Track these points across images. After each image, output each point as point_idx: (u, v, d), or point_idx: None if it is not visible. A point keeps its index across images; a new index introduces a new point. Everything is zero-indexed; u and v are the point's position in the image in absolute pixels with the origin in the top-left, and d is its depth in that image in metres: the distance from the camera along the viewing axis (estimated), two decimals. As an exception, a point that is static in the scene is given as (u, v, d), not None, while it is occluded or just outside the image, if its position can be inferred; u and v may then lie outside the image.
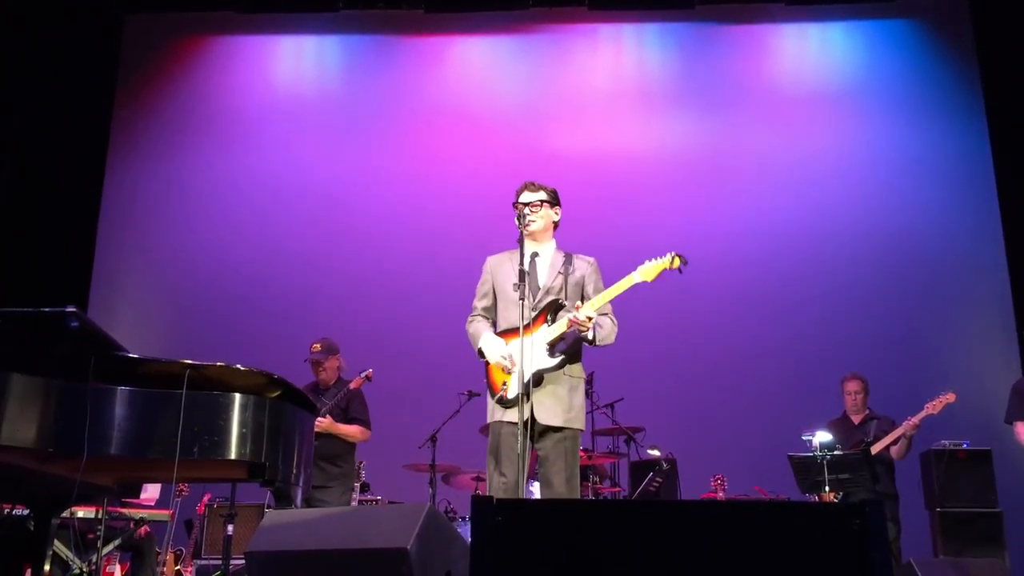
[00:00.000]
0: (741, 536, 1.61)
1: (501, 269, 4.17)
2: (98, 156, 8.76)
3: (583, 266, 4.15)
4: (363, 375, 6.03)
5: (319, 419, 5.83)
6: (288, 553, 3.41)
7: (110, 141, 8.87)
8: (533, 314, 3.89)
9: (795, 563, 1.59)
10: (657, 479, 6.43)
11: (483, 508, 1.60)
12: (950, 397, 5.89)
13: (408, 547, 3.20)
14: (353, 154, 8.80)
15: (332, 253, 8.42)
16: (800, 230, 8.33)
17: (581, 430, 4.03)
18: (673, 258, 3.88)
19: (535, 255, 4.11)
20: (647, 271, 3.89)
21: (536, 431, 3.86)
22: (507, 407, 3.92)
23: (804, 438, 5.71)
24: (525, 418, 3.73)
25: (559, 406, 3.91)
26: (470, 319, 4.21)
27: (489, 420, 4.04)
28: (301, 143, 8.87)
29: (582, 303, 4.00)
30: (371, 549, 3.28)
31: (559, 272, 4.10)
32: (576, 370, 4.03)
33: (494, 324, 4.17)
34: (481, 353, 4.05)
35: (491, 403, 4.04)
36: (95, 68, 8.77)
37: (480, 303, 4.20)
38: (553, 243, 4.22)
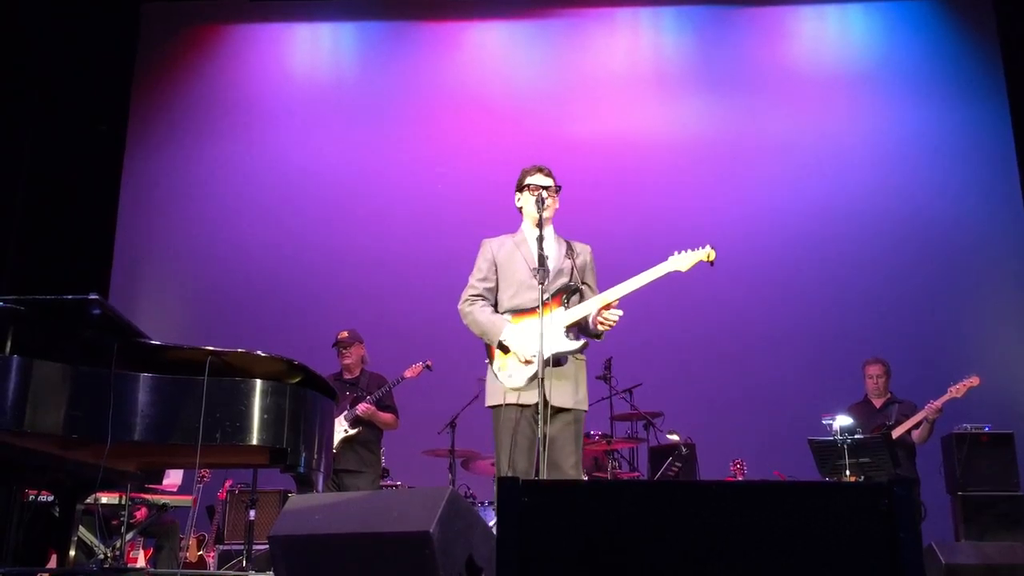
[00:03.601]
0: (768, 516, 1.60)
1: (503, 251, 4.15)
2: (117, 145, 8.80)
3: (584, 252, 4.18)
4: (424, 364, 6.12)
5: (364, 404, 5.89)
6: (312, 537, 3.43)
7: (128, 131, 8.91)
8: (547, 296, 3.88)
9: (823, 543, 1.58)
10: (676, 464, 6.42)
11: (509, 489, 1.60)
12: (974, 380, 5.84)
13: (431, 531, 3.21)
14: (371, 141, 8.80)
15: (350, 240, 8.44)
16: (819, 213, 8.27)
17: (585, 411, 4.04)
18: (709, 252, 3.92)
19: (540, 238, 4.11)
20: (682, 261, 3.92)
21: (547, 413, 3.85)
22: (516, 390, 3.91)
23: (824, 422, 5.69)
24: (539, 401, 3.71)
25: (570, 388, 3.92)
26: (469, 300, 4.13)
27: (492, 403, 4.01)
28: (318, 131, 8.88)
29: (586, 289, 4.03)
30: (394, 533, 3.29)
31: (566, 256, 4.10)
32: (582, 352, 4.04)
33: (495, 305, 4.14)
34: (501, 346, 4.00)
35: (492, 385, 4.01)
36: (112, 58, 8.80)
37: (482, 284, 4.14)
38: (553, 228, 4.22)
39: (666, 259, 3.92)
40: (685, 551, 1.59)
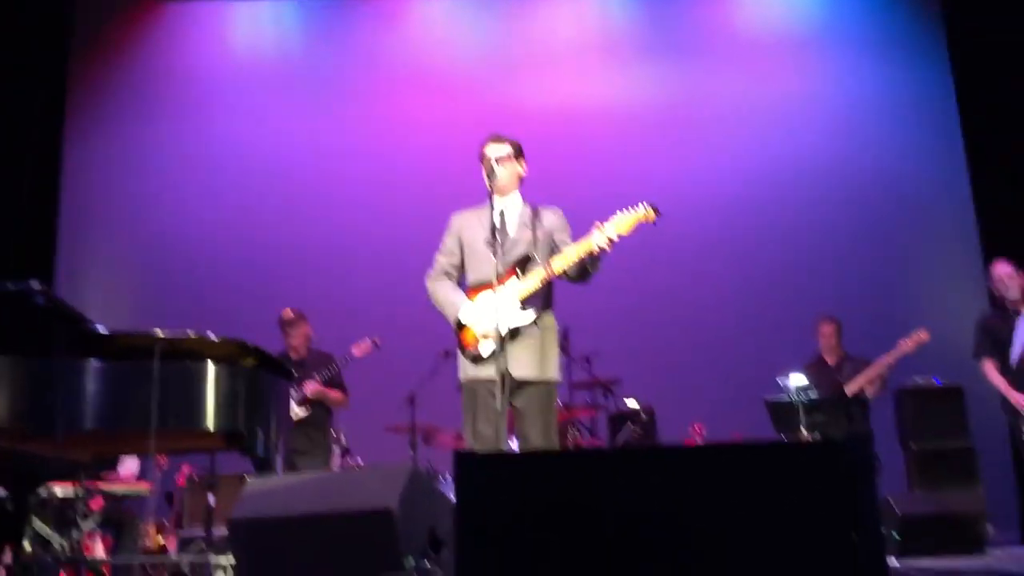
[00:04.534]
0: (727, 477, 1.61)
1: (468, 225, 4.11)
2: (55, 127, 8.56)
3: (550, 217, 4.10)
4: (371, 341, 6.06)
5: (312, 384, 5.83)
6: (272, 519, 3.40)
7: (67, 111, 8.67)
8: (502, 268, 3.84)
9: (782, 501, 1.59)
10: (636, 430, 6.47)
11: (466, 462, 1.59)
12: (923, 335, 5.95)
13: (392, 507, 3.20)
14: (317, 118, 8.67)
15: (298, 218, 8.32)
16: (768, 174, 8.34)
17: (556, 381, 4.00)
18: (647, 209, 3.82)
19: (501, 210, 4.06)
20: (621, 223, 3.79)
21: (511, 386, 3.80)
22: (479, 363, 3.89)
23: (779, 381, 5.76)
24: (502, 373, 3.69)
25: (533, 359, 3.88)
26: (432, 276, 4.12)
27: (462, 377, 3.99)
28: (263, 108, 8.72)
29: (552, 256, 3.95)
30: (355, 511, 3.28)
31: (526, 225, 4.05)
32: (548, 321, 3.99)
33: (460, 283, 4.12)
34: (459, 324, 3.97)
35: (463, 360, 3.99)
36: (47, 36, 8.54)
37: (446, 259, 4.12)
38: (519, 197, 4.17)
39: (607, 221, 3.80)
40: (647, 516, 1.59)
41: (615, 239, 3.76)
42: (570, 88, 8.68)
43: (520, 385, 3.84)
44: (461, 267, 4.12)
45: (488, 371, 3.81)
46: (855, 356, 6.33)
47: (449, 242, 4.15)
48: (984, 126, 8.14)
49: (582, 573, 1.59)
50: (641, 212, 3.80)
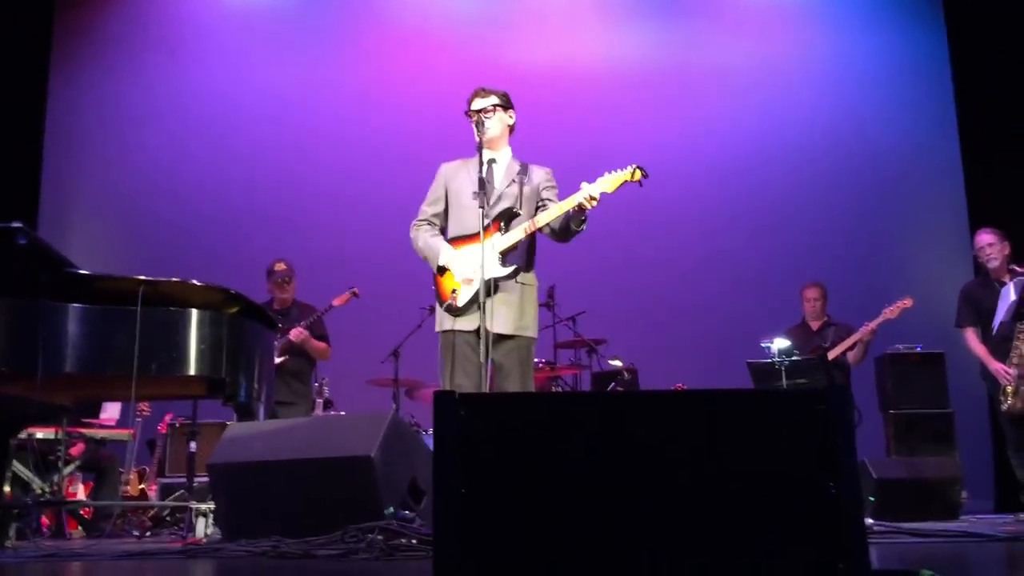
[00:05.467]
0: (707, 423, 1.61)
1: (456, 176, 4.09)
2: (40, 71, 8.42)
3: (539, 175, 4.09)
4: (350, 291, 6.05)
5: (297, 330, 5.83)
6: (251, 463, 3.41)
7: (51, 55, 8.53)
8: (487, 222, 3.82)
9: (761, 448, 1.60)
10: (619, 389, 6.51)
11: (445, 403, 1.58)
12: (907, 302, 5.97)
13: (372, 455, 3.21)
14: (306, 67, 8.57)
15: (285, 168, 8.26)
16: (758, 138, 8.33)
17: (534, 338, 4.01)
18: (634, 170, 3.79)
19: (491, 162, 4.03)
20: (607, 182, 3.78)
21: (489, 340, 3.81)
22: (456, 315, 3.88)
23: (763, 345, 5.79)
24: (480, 326, 3.69)
25: (511, 314, 3.88)
26: (416, 224, 4.11)
27: (439, 329, 3.98)
28: (254, 54, 8.62)
29: (537, 212, 3.94)
30: (336, 458, 3.29)
31: (514, 180, 4.03)
32: (529, 278, 3.99)
33: (443, 231, 4.10)
34: (440, 269, 3.97)
35: (440, 312, 3.97)
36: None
37: (431, 208, 4.11)
38: (509, 151, 4.14)
39: (595, 180, 3.81)
40: (625, 460, 1.60)
41: (598, 197, 3.75)
42: (564, 46, 8.60)
43: (498, 339, 3.84)
44: (445, 217, 4.10)
45: (466, 323, 3.82)
46: (839, 322, 6.36)
47: (435, 191, 4.14)
48: (977, 96, 8.13)
49: (562, 516, 1.59)
50: (628, 173, 3.79)
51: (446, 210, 4.09)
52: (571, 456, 1.58)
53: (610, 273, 7.80)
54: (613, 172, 3.81)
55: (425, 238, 4.04)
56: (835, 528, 1.56)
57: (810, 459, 1.57)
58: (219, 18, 8.75)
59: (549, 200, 4.02)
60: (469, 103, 4.08)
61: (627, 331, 7.24)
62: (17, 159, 8.14)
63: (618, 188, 3.79)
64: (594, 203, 3.75)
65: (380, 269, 7.15)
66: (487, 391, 3.71)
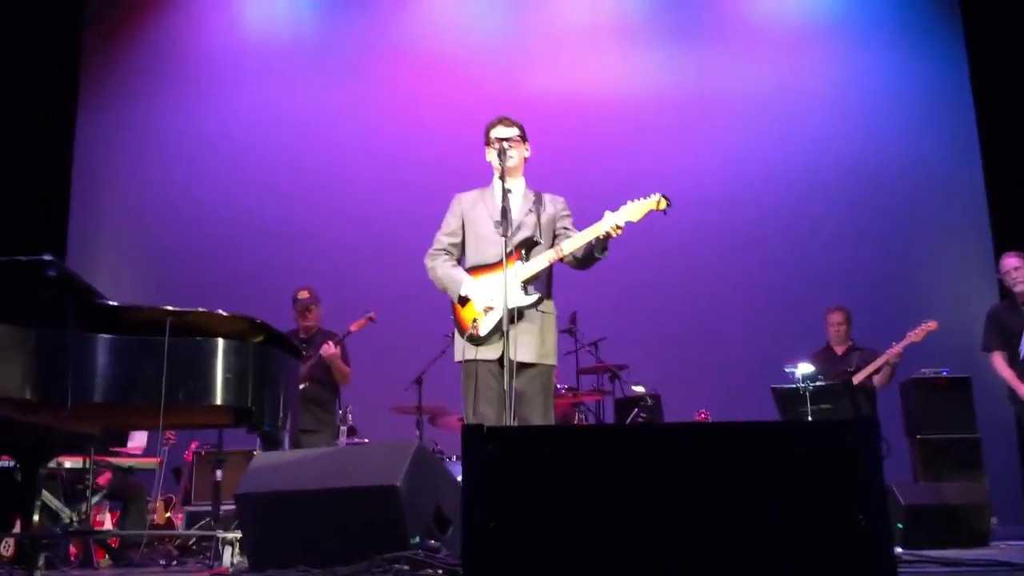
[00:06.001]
0: (734, 456, 1.61)
1: (474, 206, 4.11)
2: (69, 103, 8.58)
3: (554, 204, 4.13)
4: (367, 316, 6.10)
5: (328, 346, 5.87)
6: (278, 493, 3.42)
7: (80, 88, 8.69)
8: (508, 249, 3.84)
9: (789, 480, 1.60)
10: (642, 415, 6.48)
11: (474, 436, 1.60)
12: (932, 325, 5.93)
13: (398, 484, 3.21)
14: (328, 97, 8.67)
15: (309, 198, 8.34)
16: (781, 163, 8.32)
17: (555, 366, 4.02)
18: (659, 199, 3.83)
19: (508, 191, 4.07)
20: (632, 210, 3.82)
21: (514, 368, 3.82)
22: (478, 344, 3.90)
23: (787, 370, 5.76)
24: (504, 355, 3.70)
25: (533, 342, 3.89)
26: (433, 254, 4.11)
27: (459, 359, 3.98)
28: (275, 86, 8.73)
29: (556, 241, 3.98)
30: (361, 487, 3.29)
31: (531, 210, 4.06)
32: (549, 306, 4.01)
33: (459, 261, 4.12)
34: (461, 299, 3.98)
35: (460, 341, 3.98)
36: (62, 12, 8.54)
37: (448, 238, 4.11)
38: (523, 180, 4.18)
39: (619, 208, 3.84)
40: (652, 493, 1.60)
41: (623, 225, 3.79)
42: (583, 72, 8.65)
43: (521, 367, 3.85)
44: (462, 247, 4.12)
45: (487, 352, 3.84)
46: (863, 346, 6.33)
47: (452, 221, 4.14)
48: (999, 118, 8.10)
49: (589, 548, 1.60)
50: (653, 202, 3.83)
51: (463, 240, 4.12)
52: (598, 490, 1.59)
53: (632, 299, 7.79)
54: (637, 200, 3.85)
55: (445, 268, 4.05)
56: (866, 561, 1.56)
57: (839, 492, 1.57)
58: (241, 50, 8.88)
59: (567, 229, 4.06)
60: (489, 130, 4.12)
61: (649, 357, 7.22)
62: (46, 191, 8.28)
63: (643, 217, 3.83)
64: (619, 232, 3.78)
65: (404, 296, 7.17)
66: (511, 419, 3.72)
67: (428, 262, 4.14)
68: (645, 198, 3.84)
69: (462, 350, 3.96)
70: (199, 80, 8.75)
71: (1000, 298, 6.49)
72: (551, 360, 3.99)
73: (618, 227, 3.78)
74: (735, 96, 8.53)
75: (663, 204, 3.82)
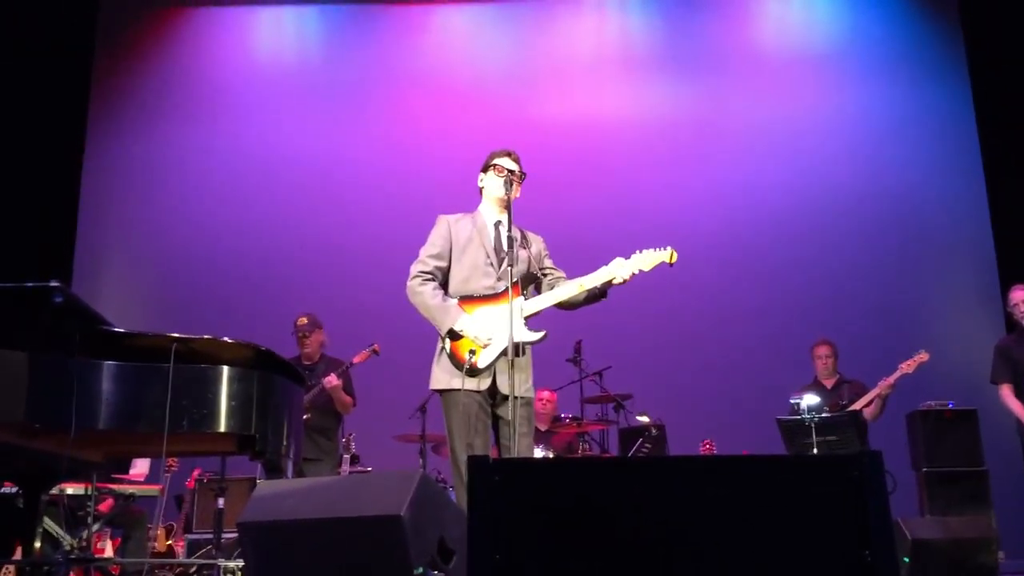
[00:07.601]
0: (740, 489, 1.60)
1: (462, 231, 4.08)
2: (77, 130, 8.65)
3: (537, 242, 4.18)
4: (370, 349, 6.11)
5: (331, 377, 5.87)
6: (281, 522, 3.40)
7: (89, 114, 8.75)
8: (504, 284, 3.86)
9: (794, 515, 1.59)
10: (646, 445, 6.46)
11: (480, 467, 1.59)
12: (924, 356, 5.93)
13: (402, 514, 3.19)
14: (336, 125, 8.73)
15: (316, 224, 8.37)
16: (784, 194, 8.34)
17: (533, 398, 4.08)
18: (672, 253, 3.91)
19: (498, 224, 4.08)
20: (644, 261, 3.90)
21: (497, 399, 3.89)
22: (472, 376, 3.89)
23: (792, 401, 5.75)
24: (495, 387, 3.81)
25: (528, 378, 3.94)
26: (420, 278, 4.03)
27: (439, 387, 3.96)
28: (283, 114, 8.79)
29: (544, 279, 4.09)
30: (365, 517, 3.27)
31: (521, 245, 4.07)
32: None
33: (443, 285, 4.07)
34: (452, 334, 3.91)
35: (439, 370, 3.96)
36: (72, 40, 8.64)
37: (434, 261, 4.04)
38: (507, 216, 4.18)
39: (629, 256, 3.91)
40: (657, 526, 1.59)
41: (630, 278, 3.88)
42: (587, 102, 8.71)
43: (504, 399, 3.86)
44: (446, 272, 4.09)
45: (474, 383, 3.85)
46: (851, 379, 6.31)
47: (439, 243, 4.08)
48: (1003, 148, 8.12)
49: (593, 582, 1.59)
50: (666, 254, 3.92)
51: (448, 265, 4.09)
52: (604, 523, 1.58)
53: (636, 328, 7.79)
54: (649, 250, 3.92)
55: (436, 300, 3.96)
56: (872, 597, 1.55)
57: (844, 527, 1.56)
58: (250, 79, 8.96)
59: (551, 270, 4.12)
60: (494, 157, 4.12)
61: (654, 386, 7.21)
62: (53, 215, 8.32)
63: (653, 268, 3.89)
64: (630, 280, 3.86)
65: (407, 325, 7.16)
66: (515, 450, 3.73)
67: (415, 286, 4.04)
68: (658, 249, 3.91)
69: (443, 379, 3.95)
70: (207, 108, 8.82)
71: (1007, 330, 6.47)
72: (532, 393, 4.03)
73: (632, 276, 3.84)
74: (739, 125, 8.57)
75: (674, 258, 3.90)
